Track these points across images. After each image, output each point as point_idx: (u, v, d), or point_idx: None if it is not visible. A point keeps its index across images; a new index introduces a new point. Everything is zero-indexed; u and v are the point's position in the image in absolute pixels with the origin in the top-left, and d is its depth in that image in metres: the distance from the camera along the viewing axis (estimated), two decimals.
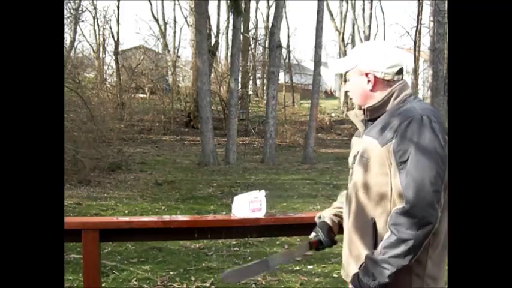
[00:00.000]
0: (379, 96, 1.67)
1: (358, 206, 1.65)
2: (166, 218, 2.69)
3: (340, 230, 1.89)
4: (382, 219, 1.58)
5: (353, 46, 30.61)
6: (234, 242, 5.33)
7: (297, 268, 4.53)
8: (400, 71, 1.70)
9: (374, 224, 1.60)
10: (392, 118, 1.60)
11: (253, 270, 1.98)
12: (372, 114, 1.68)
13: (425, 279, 1.58)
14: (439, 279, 1.62)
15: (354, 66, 1.72)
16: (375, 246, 1.59)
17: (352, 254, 1.69)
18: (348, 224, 1.73)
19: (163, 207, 7.63)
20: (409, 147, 1.52)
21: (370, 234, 1.61)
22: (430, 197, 1.48)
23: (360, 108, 1.76)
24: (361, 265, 1.61)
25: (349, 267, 1.71)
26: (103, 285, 3.69)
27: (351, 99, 1.82)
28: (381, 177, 1.57)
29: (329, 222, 1.90)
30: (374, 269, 1.53)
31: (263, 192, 2.27)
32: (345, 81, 1.80)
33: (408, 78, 30.33)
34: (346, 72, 1.76)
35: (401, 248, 1.48)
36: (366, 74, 1.69)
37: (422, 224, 1.47)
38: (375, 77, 1.68)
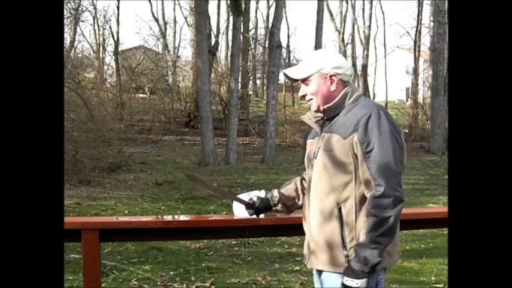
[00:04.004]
0: (337, 96, 1.86)
1: (324, 195, 1.80)
2: (166, 218, 2.69)
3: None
4: (347, 204, 1.76)
5: (353, 46, 30.66)
6: (234, 242, 5.33)
7: (297, 268, 4.53)
8: (352, 74, 1.93)
9: (340, 209, 1.76)
10: (349, 114, 1.80)
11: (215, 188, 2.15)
12: (330, 114, 1.86)
13: (384, 254, 1.72)
14: (393, 255, 1.82)
15: (317, 71, 1.87)
16: (342, 229, 1.76)
17: (321, 240, 1.81)
18: (313, 213, 1.86)
19: (163, 207, 7.64)
20: (373, 137, 1.71)
21: (338, 219, 1.77)
22: (397, 178, 1.69)
23: (317, 110, 1.90)
24: (348, 260, 1.73)
25: (320, 253, 1.82)
26: (103, 285, 3.68)
27: (307, 101, 1.93)
28: (345, 166, 1.76)
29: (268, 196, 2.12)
30: (365, 252, 1.67)
31: (263, 192, 2.27)
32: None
33: (408, 78, 30.36)
34: (305, 78, 1.89)
35: (385, 227, 1.66)
36: (331, 77, 1.87)
37: (396, 202, 1.67)
38: (339, 79, 1.87)
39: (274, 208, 2.13)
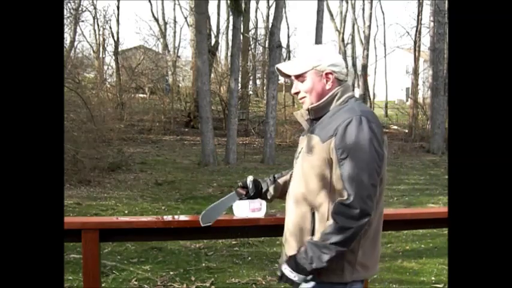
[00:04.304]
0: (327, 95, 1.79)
1: (300, 197, 1.77)
2: (166, 218, 2.69)
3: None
4: (321, 209, 1.70)
5: (353, 46, 30.66)
6: (234, 242, 5.33)
7: None
8: (347, 73, 1.87)
9: (313, 213, 1.72)
10: (333, 117, 1.72)
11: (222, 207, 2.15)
12: (317, 114, 1.79)
13: (356, 266, 1.70)
14: (370, 267, 1.75)
15: (313, 68, 1.79)
16: (313, 233, 1.70)
17: (293, 239, 1.77)
18: (289, 215, 1.84)
19: (163, 207, 7.63)
20: (349, 145, 1.62)
21: (309, 222, 1.72)
22: (368, 191, 1.61)
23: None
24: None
25: (291, 254, 1.77)
26: (103, 285, 3.69)
27: (300, 99, 1.86)
28: (322, 170, 1.69)
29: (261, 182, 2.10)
30: (313, 253, 1.63)
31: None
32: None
33: (408, 78, 30.37)
34: (300, 74, 1.82)
35: (342, 236, 1.60)
36: (327, 74, 1.79)
37: (362, 215, 1.60)
38: (335, 77, 1.80)
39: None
